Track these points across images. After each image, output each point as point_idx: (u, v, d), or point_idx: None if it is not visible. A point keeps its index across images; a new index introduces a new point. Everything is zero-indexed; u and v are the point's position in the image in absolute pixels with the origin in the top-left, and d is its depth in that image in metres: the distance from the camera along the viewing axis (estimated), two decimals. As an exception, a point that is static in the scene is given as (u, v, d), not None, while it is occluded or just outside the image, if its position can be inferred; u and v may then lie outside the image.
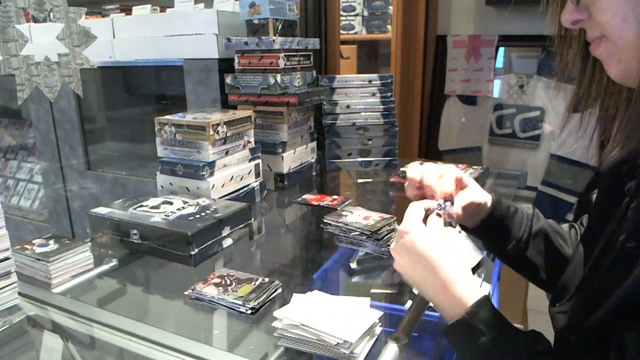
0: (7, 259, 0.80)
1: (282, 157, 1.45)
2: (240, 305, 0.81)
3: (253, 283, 0.87)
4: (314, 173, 1.63)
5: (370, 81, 1.64)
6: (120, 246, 1.05)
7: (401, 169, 1.55)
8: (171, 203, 1.13)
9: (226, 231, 1.06)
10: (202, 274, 0.93)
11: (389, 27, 3.10)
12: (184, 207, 1.10)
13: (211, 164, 1.22)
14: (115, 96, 2.21)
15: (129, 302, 0.95)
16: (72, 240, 0.98)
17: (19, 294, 0.84)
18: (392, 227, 1.06)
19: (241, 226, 1.11)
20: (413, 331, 0.76)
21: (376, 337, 0.73)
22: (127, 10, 1.89)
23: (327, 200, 1.34)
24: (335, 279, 1.07)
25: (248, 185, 1.34)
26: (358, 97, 1.64)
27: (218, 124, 1.21)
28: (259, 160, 1.39)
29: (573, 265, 0.71)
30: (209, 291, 0.85)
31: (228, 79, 1.48)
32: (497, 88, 2.18)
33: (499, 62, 2.17)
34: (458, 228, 0.86)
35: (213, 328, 0.83)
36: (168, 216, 1.05)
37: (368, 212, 1.13)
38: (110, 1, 2.10)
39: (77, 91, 1.00)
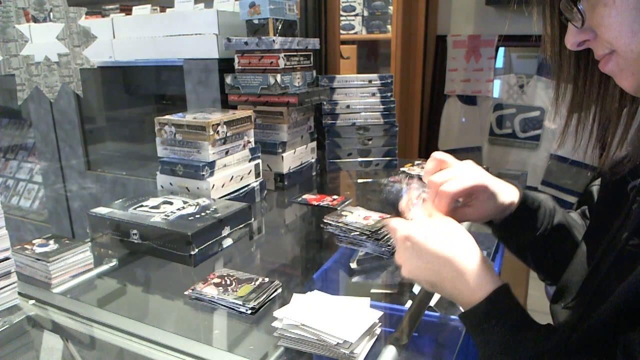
0: (7, 259, 0.80)
1: (282, 157, 1.45)
2: (240, 305, 0.81)
3: (253, 283, 0.87)
4: (314, 173, 1.63)
5: (370, 81, 1.64)
6: (120, 246, 1.05)
7: (401, 169, 1.55)
8: (171, 203, 1.13)
9: (226, 231, 1.06)
10: (202, 274, 0.93)
11: (389, 27, 3.10)
12: (184, 207, 1.10)
13: (211, 164, 1.22)
14: (115, 96, 2.21)
15: (129, 302, 0.95)
16: (72, 240, 0.98)
17: (19, 294, 0.84)
18: (392, 227, 1.06)
19: (241, 226, 1.11)
20: (413, 331, 0.76)
21: (376, 337, 0.72)
22: (127, 10, 1.89)
23: (327, 200, 1.34)
24: (335, 279, 1.08)
25: (248, 185, 1.34)
26: (358, 97, 1.64)
27: (218, 124, 1.21)
28: (259, 160, 1.39)
29: (575, 263, 0.71)
30: (209, 291, 0.85)
31: (228, 79, 1.48)
32: (497, 88, 2.18)
33: (499, 62, 2.17)
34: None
35: (213, 328, 0.83)
36: (168, 216, 1.05)
37: (368, 212, 1.13)
38: (110, 1, 2.10)
39: (77, 91, 1.00)
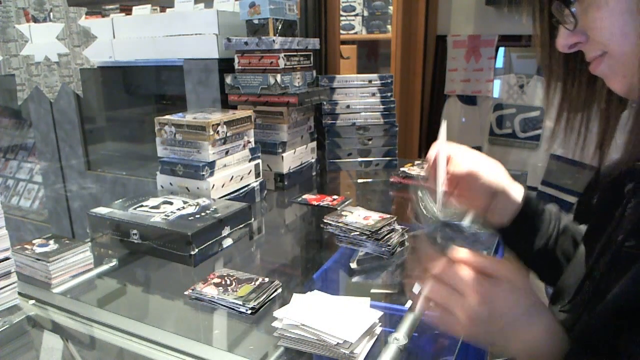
0: (7, 259, 0.80)
1: (282, 157, 1.45)
2: (240, 305, 0.81)
3: (253, 283, 0.87)
4: (314, 173, 1.63)
5: (370, 81, 1.64)
6: (120, 246, 1.05)
7: (401, 169, 1.55)
8: (171, 203, 1.13)
9: (226, 231, 1.06)
10: (202, 274, 0.93)
11: (389, 27, 3.10)
12: (184, 207, 1.10)
13: (211, 164, 1.22)
14: (115, 96, 2.21)
15: (129, 302, 0.95)
16: (72, 240, 0.98)
17: (19, 294, 0.84)
18: (392, 227, 1.06)
19: (241, 226, 1.11)
20: (413, 331, 0.76)
21: (376, 337, 0.73)
22: (127, 10, 1.89)
23: (327, 200, 1.34)
24: (335, 279, 1.07)
25: (248, 185, 1.34)
26: (358, 97, 1.64)
27: (218, 124, 1.21)
28: (259, 160, 1.39)
29: (573, 265, 0.71)
30: (209, 291, 0.85)
31: (228, 79, 1.48)
32: (497, 88, 2.18)
33: (499, 62, 2.17)
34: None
35: (213, 328, 0.83)
36: (168, 216, 1.05)
37: (368, 212, 1.13)
38: (110, 1, 2.10)
39: (77, 91, 1.00)
